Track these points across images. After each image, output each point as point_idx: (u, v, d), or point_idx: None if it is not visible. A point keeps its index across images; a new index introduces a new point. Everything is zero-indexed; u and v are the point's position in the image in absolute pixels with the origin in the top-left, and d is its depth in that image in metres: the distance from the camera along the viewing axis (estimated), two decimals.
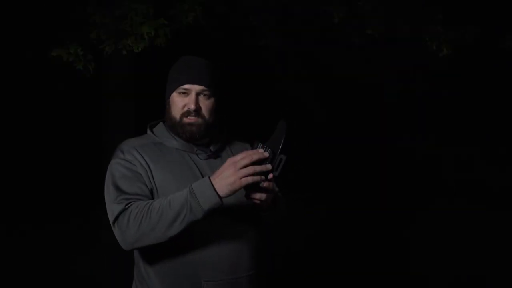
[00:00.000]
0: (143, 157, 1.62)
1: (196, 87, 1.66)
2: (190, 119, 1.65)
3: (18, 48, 6.81)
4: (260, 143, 1.54)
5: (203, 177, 1.62)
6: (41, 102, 8.04)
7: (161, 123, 1.77)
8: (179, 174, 1.63)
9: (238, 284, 1.63)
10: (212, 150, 1.70)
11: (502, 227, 6.02)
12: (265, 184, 1.50)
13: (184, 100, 1.66)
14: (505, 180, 8.32)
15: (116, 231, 1.54)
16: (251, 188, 1.52)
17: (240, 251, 1.63)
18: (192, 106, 1.64)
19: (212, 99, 1.68)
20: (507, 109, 8.45)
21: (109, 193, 1.59)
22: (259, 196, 1.52)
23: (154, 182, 1.61)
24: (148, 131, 1.74)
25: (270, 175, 1.50)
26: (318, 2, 4.13)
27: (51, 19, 5.53)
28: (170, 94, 1.70)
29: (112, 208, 1.56)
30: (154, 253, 1.60)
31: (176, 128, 1.67)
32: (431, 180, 9.13)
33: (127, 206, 1.52)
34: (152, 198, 1.59)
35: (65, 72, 4.18)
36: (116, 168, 1.61)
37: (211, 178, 1.46)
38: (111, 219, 1.55)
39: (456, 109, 8.68)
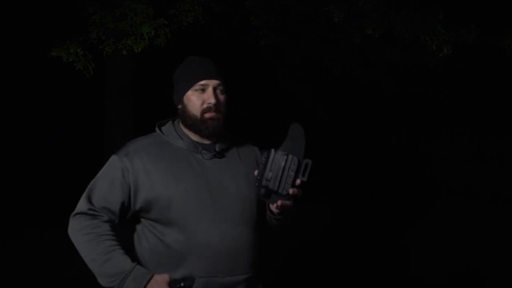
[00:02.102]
0: (142, 162, 1.64)
1: (213, 82, 1.67)
2: (211, 114, 1.66)
3: (18, 48, 6.82)
4: (273, 150, 1.51)
5: (204, 176, 1.64)
6: (41, 102, 8.04)
7: (170, 122, 1.77)
8: (178, 173, 1.63)
9: (233, 285, 1.64)
10: (217, 149, 1.70)
11: (500, 225, 6.02)
12: (291, 191, 1.50)
13: (202, 97, 1.67)
14: (504, 179, 8.32)
15: (70, 222, 1.66)
16: (276, 198, 1.51)
17: (237, 252, 1.64)
18: (212, 101, 1.64)
19: (225, 95, 1.71)
20: (507, 108, 8.45)
21: (92, 182, 1.68)
22: (289, 203, 1.53)
23: (151, 182, 1.62)
24: (157, 130, 1.75)
25: (298, 181, 1.50)
26: (318, 2, 4.13)
27: (51, 19, 5.54)
28: (184, 94, 1.69)
29: (81, 199, 1.66)
30: (150, 252, 1.64)
31: (197, 125, 1.67)
32: (431, 180, 9.13)
33: (89, 212, 1.63)
34: (123, 215, 1.65)
35: (65, 72, 4.18)
36: (111, 170, 1.66)
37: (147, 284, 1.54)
38: (76, 208, 1.67)
39: (457, 109, 8.68)
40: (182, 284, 1.56)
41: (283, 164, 1.49)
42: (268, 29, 4.36)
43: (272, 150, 1.52)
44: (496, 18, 5.06)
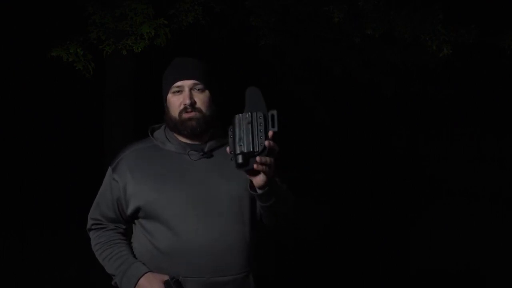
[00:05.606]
0: (130, 170, 1.69)
1: (188, 82, 1.68)
2: (189, 114, 1.66)
3: (18, 48, 6.82)
4: (239, 114, 1.45)
5: (192, 177, 1.66)
6: (41, 102, 8.03)
7: (163, 126, 1.79)
8: (166, 176, 1.66)
9: (222, 285, 1.63)
10: (205, 150, 1.70)
11: (500, 225, 6.02)
12: (267, 143, 1.43)
13: (179, 98, 1.68)
14: (504, 179, 8.31)
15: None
16: (254, 160, 1.41)
17: (225, 252, 1.62)
18: (187, 101, 1.65)
19: (206, 93, 1.70)
20: (507, 108, 8.45)
21: (96, 197, 1.81)
22: (269, 160, 1.44)
23: (140, 188, 1.67)
24: (149, 134, 1.78)
25: (270, 133, 1.44)
26: (318, 2, 4.13)
27: (51, 19, 5.54)
28: (166, 97, 1.72)
29: (88, 216, 1.83)
30: (140, 252, 1.72)
31: (177, 126, 1.68)
32: (431, 180, 9.13)
33: (93, 227, 1.81)
34: (124, 216, 1.75)
35: (65, 72, 4.18)
36: (105, 182, 1.77)
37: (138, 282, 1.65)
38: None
39: (457, 109, 8.68)
40: (173, 279, 1.60)
41: (249, 122, 1.44)
42: (268, 29, 4.35)
43: (235, 117, 1.46)
44: (496, 18, 5.05)
